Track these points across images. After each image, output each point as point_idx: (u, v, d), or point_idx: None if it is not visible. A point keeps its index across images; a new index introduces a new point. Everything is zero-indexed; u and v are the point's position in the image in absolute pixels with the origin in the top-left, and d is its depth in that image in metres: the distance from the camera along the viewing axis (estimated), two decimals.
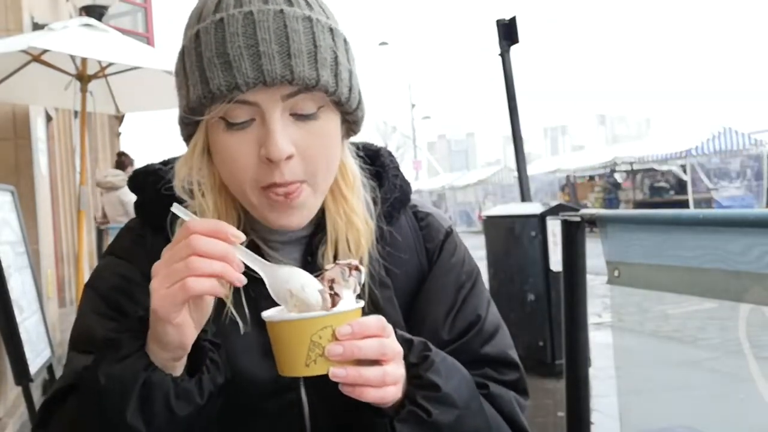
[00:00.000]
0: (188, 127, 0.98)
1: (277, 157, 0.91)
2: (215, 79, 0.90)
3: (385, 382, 0.87)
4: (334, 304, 0.87)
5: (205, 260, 0.81)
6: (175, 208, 0.90)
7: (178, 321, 0.83)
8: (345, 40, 0.98)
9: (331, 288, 0.88)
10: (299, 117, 0.94)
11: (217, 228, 0.83)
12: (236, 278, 0.83)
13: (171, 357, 0.86)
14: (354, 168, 1.06)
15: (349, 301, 0.88)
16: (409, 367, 0.94)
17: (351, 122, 1.02)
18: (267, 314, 0.89)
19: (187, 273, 0.80)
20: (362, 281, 0.90)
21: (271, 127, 0.91)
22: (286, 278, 0.89)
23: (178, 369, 0.88)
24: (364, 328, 0.86)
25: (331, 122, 0.97)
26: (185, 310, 0.83)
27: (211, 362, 0.90)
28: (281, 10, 0.91)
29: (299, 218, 0.98)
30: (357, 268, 0.90)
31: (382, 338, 0.88)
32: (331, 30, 0.95)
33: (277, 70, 0.89)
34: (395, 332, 0.96)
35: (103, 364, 0.86)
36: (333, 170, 1.00)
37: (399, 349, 0.90)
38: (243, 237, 0.85)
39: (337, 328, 0.85)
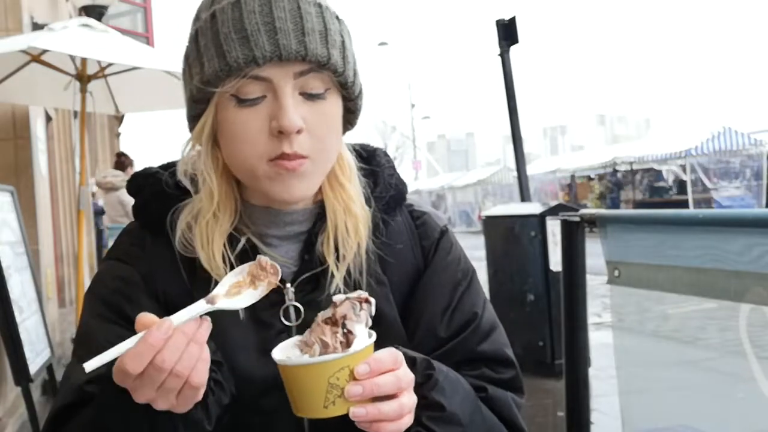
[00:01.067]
0: (198, 105, 1.00)
1: (289, 129, 0.94)
2: (232, 51, 0.93)
3: (402, 414, 0.88)
4: (349, 343, 0.86)
5: (185, 360, 0.81)
6: (90, 367, 0.84)
7: (200, 394, 0.85)
8: (349, 32, 1.03)
9: (344, 325, 0.87)
10: (308, 96, 0.97)
11: (167, 332, 0.81)
12: (207, 330, 0.84)
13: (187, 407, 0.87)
14: (350, 158, 1.08)
15: (363, 337, 0.87)
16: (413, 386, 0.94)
17: (350, 112, 1.05)
18: (279, 357, 0.88)
19: (184, 379, 0.81)
20: (373, 313, 0.90)
21: (284, 102, 0.94)
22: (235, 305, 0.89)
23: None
24: (380, 365, 0.87)
25: (335, 105, 1.00)
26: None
27: (214, 383, 0.91)
28: None
29: (300, 190, 1.00)
30: (367, 300, 0.90)
31: (397, 371, 0.89)
32: (338, 19, 1.00)
33: (292, 45, 0.93)
34: (398, 349, 0.96)
35: (103, 409, 0.89)
36: (335, 150, 1.03)
37: (411, 377, 0.91)
38: (174, 322, 0.83)
39: (356, 368, 0.85)
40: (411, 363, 0.95)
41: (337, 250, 1.04)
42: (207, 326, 0.84)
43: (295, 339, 0.92)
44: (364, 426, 0.87)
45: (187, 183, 1.04)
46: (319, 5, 0.98)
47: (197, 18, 1.01)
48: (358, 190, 1.07)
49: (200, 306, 0.84)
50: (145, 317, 0.82)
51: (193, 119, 1.02)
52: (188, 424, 0.87)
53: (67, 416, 0.95)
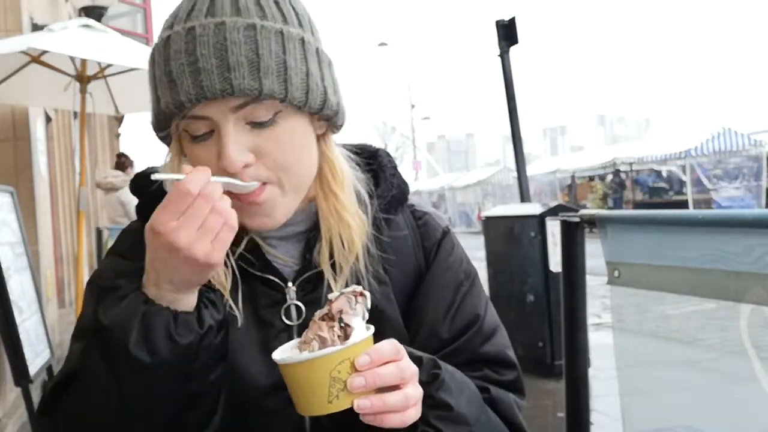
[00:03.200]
0: (163, 139, 1.02)
1: (231, 169, 0.93)
2: (164, 97, 0.94)
3: (407, 406, 0.88)
4: (347, 336, 0.86)
5: (230, 211, 0.87)
6: (159, 177, 0.91)
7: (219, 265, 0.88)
8: (302, 40, 0.97)
9: (340, 320, 0.87)
10: (255, 125, 0.94)
11: (208, 175, 0.87)
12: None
13: (184, 296, 0.89)
14: (342, 164, 1.06)
15: (361, 330, 0.87)
16: (420, 385, 0.94)
17: (325, 119, 1.02)
18: (279, 357, 0.88)
19: (223, 223, 0.86)
20: (369, 306, 0.90)
21: (224, 140, 0.93)
22: None
23: (188, 306, 0.91)
24: (381, 354, 0.87)
25: (293, 125, 0.97)
26: None
27: (208, 300, 0.93)
28: (222, 22, 0.92)
29: (272, 219, 0.99)
30: (362, 294, 0.90)
31: (399, 362, 0.88)
32: (280, 34, 0.95)
33: (216, 84, 0.90)
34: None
35: (103, 305, 0.90)
36: (303, 170, 1.00)
37: (415, 368, 0.91)
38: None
39: (356, 359, 0.85)
40: (417, 362, 0.95)
41: (332, 257, 1.04)
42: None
43: (294, 342, 0.92)
44: (369, 419, 0.87)
45: (164, 177, 1.04)
46: (252, 27, 0.93)
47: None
48: (352, 197, 1.06)
49: None
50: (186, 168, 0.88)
51: (168, 144, 1.03)
52: (180, 322, 0.88)
53: (67, 385, 0.96)
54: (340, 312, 0.87)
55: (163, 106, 0.93)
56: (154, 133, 1.02)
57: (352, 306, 0.88)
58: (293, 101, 0.95)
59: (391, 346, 0.89)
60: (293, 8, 0.99)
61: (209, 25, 0.92)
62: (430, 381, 0.95)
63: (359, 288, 0.90)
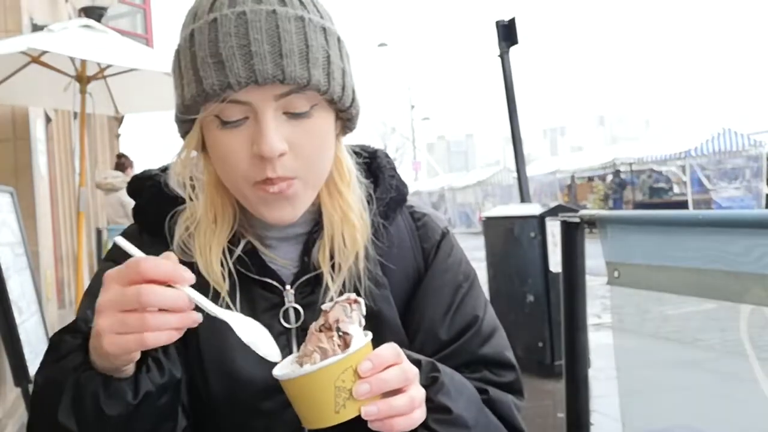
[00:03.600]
0: (184, 124, 0.99)
1: (269, 155, 0.92)
2: (208, 78, 0.91)
3: (413, 408, 0.88)
4: (347, 344, 0.86)
5: (159, 316, 0.80)
6: (121, 241, 0.90)
7: (129, 358, 0.84)
8: (339, 39, 0.99)
9: (338, 329, 0.86)
10: (292, 115, 0.94)
11: (172, 273, 0.82)
12: (192, 322, 0.83)
13: (115, 368, 0.86)
14: (350, 164, 1.06)
15: (359, 337, 0.87)
16: None
17: (345, 119, 1.03)
18: (280, 373, 0.87)
19: (142, 328, 0.80)
20: (364, 312, 0.90)
21: (264, 126, 0.92)
22: (241, 329, 0.89)
23: (124, 372, 0.87)
24: (382, 359, 0.87)
25: (324, 120, 0.98)
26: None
27: (152, 360, 0.89)
28: (274, 10, 0.92)
29: (291, 212, 0.98)
30: (356, 301, 0.89)
31: (401, 365, 0.88)
32: (323, 29, 0.96)
33: (268, 69, 0.90)
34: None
35: (42, 366, 0.89)
36: (326, 166, 1.01)
37: (416, 370, 0.91)
38: (193, 278, 0.84)
39: (359, 366, 0.84)
40: (416, 365, 0.95)
41: (332, 257, 1.03)
42: (197, 317, 0.83)
43: (292, 357, 0.91)
44: (377, 425, 0.86)
45: (180, 191, 1.04)
46: (302, 19, 0.93)
47: (180, 34, 0.99)
48: (357, 197, 1.06)
49: (218, 310, 0.87)
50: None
51: (183, 135, 1.01)
52: (111, 392, 0.85)
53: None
54: (337, 321, 0.87)
55: (206, 86, 0.91)
56: (178, 118, 0.99)
57: (348, 314, 0.88)
58: (333, 95, 0.95)
59: (391, 349, 0.89)
60: (320, 6, 1.00)
61: (261, 11, 0.92)
62: (429, 384, 0.95)
63: (353, 295, 0.90)
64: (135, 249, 0.88)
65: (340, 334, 0.86)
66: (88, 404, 0.84)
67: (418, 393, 0.90)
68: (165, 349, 0.91)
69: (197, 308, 0.84)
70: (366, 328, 0.91)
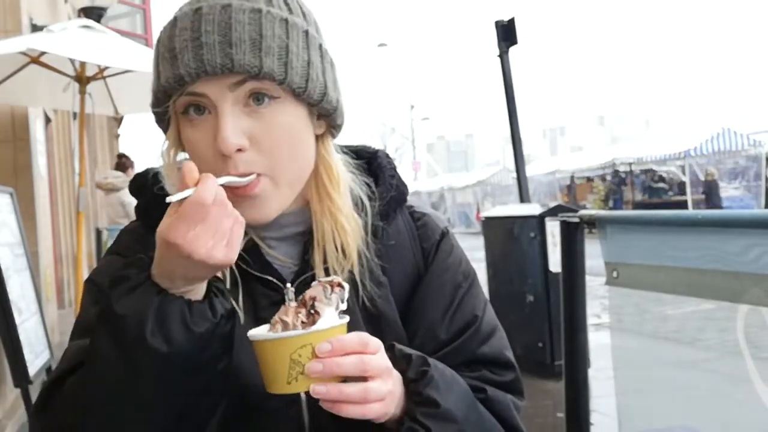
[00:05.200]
0: (160, 123, 1.02)
1: (225, 150, 0.92)
2: (165, 72, 0.94)
3: (366, 399, 0.88)
4: (313, 323, 0.87)
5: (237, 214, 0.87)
6: (171, 199, 0.90)
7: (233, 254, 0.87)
8: (306, 33, 0.98)
9: (312, 306, 0.88)
10: (252, 108, 0.95)
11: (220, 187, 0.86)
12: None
13: (192, 289, 0.89)
14: (338, 166, 1.06)
15: (331, 319, 0.88)
16: (408, 382, 0.95)
17: (325, 116, 1.02)
18: (252, 332, 0.90)
19: (233, 223, 0.86)
20: (345, 298, 0.91)
21: (220, 120, 0.93)
22: None
23: (198, 296, 0.90)
24: (343, 345, 0.87)
25: (288, 114, 0.97)
26: None
27: (217, 290, 0.92)
28: (229, 4, 0.94)
29: (264, 212, 0.98)
30: (340, 285, 0.90)
31: (364, 355, 0.88)
32: (284, 21, 0.96)
33: (217, 59, 0.91)
34: (394, 346, 0.97)
35: (114, 297, 0.88)
36: (298, 164, 1.00)
37: (385, 365, 0.91)
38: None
39: (317, 346, 0.86)
40: (407, 360, 0.96)
41: (325, 261, 1.03)
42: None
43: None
44: (327, 406, 0.87)
45: (176, 198, 1.04)
46: (258, 11, 0.94)
47: None
48: (347, 200, 1.06)
49: None
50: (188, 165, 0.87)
51: (165, 133, 1.03)
52: (194, 311, 0.87)
53: (64, 381, 0.95)
54: (313, 299, 0.88)
55: (162, 80, 0.94)
56: (153, 117, 1.02)
57: (327, 295, 0.89)
58: (292, 85, 0.95)
59: (356, 338, 0.89)
60: (300, 6, 1.01)
61: (216, 6, 0.94)
62: (418, 378, 0.95)
63: (338, 279, 0.91)
64: (182, 195, 0.89)
65: (312, 312, 0.88)
66: (176, 323, 0.86)
67: (379, 387, 0.89)
68: (221, 281, 0.95)
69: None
70: (366, 327, 0.91)
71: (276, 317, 0.89)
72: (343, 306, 0.90)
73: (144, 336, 0.85)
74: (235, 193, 0.94)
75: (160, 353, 0.85)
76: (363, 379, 0.88)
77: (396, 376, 0.94)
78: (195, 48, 0.92)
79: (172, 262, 0.86)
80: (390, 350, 0.97)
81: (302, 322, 0.87)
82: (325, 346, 0.86)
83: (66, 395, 0.94)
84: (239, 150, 0.93)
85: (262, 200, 0.97)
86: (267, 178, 0.96)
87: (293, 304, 0.90)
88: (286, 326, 0.87)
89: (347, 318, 0.91)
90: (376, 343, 0.91)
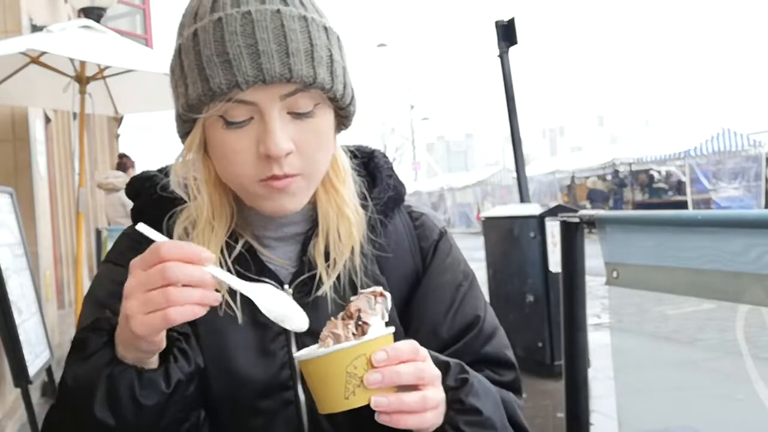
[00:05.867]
0: (186, 124, 0.99)
1: (277, 154, 0.93)
2: (215, 77, 0.91)
3: (425, 408, 0.87)
4: (363, 333, 0.86)
5: (183, 290, 0.81)
6: (141, 227, 0.91)
7: (158, 340, 0.85)
8: (338, 38, 1.00)
9: (359, 318, 0.87)
10: (297, 115, 0.95)
11: (192, 253, 0.83)
12: (214, 300, 0.84)
13: (144, 357, 0.88)
14: (345, 161, 1.08)
15: (379, 328, 0.87)
16: (447, 390, 0.94)
17: (343, 116, 1.04)
18: (301, 353, 0.89)
19: (166, 304, 0.81)
20: (389, 307, 0.90)
21: (270, 126, 0.93)
22: (267, 305, 0.89)
23: (153, 362, 0.89)
24: (398, 352, 0.86)
25: (326, 118, 0.99)
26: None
27: (178, 351, 0.91)
28: (278, 10, 0.93)
29: (291, 204, 0.99)
30: (382, 295, 0.90)
31: (418, 362, 0.88)
32: (325, 29, 0.97)
33: (276, 68, 0.90)
34: (428, 354, 0.95)
35: (70, 365, 0.89)
36: (326, 163, 1.02)
37: (437, 372, 0.90)
38: (213, 257, 0.85)
39: (373, 355, 0.84)
40: (444, 366, 0.95)
41: (327, 253, 1.04)
42: (218, 296, 0.84)
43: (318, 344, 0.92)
44: (385, 419, 0.85)
45: (181, 192, 1.04)
46: (305, 18, 0.94)
47: (179, 33, 0.99)
48: (352, 192, 1.07)
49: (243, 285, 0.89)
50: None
51: (183, 135, 1.01)
52: (145, 383, 0.86)
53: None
54: (359, 311, 0.88)
55: (213, 85, 0.91)
56: (180, 118, 0.98)
57: (372, 306, 0.88)
58: (336, 93, 0.97)
59: (409, 345, 0.88)
60: (321, 8, 1.01)
61: (266, 11, 0.92)
62: (459, 386, 0.94)
63: (379, 288, 0.90)
64: (156, 233, 0.90)
65: (360, 323, 0.87)
66: (124, 397, 0.85)
67: (435, 395, 0.89)
68: (187, 340, 0.93)
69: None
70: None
71: (325, 332, 0.87)
72: (386, 315, 0.90)
73: (92, 410, 0.85)
74: (271, 186, 0.95)
75: (108, 426, 0.85)
76: (415, 387, 0.87)
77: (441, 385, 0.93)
78: (251, 55, 0.90)
79: (122, 322, 0.85)
80: None
81: (353, 334, 0.86)
82: (382, 355, 0.85)
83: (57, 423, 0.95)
84: (287, 154, 0.94)
85: (294, 195, 0.98)
86: (302, 177, 0.97)
87: (339, 317, 0.89)
88: (338, 339, 0.86)
89: (393, 327, 0.90)
90: (424, 350, 0.90)
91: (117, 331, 0.88)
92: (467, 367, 0.98)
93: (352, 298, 0.90)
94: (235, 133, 0.94)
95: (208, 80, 0.91)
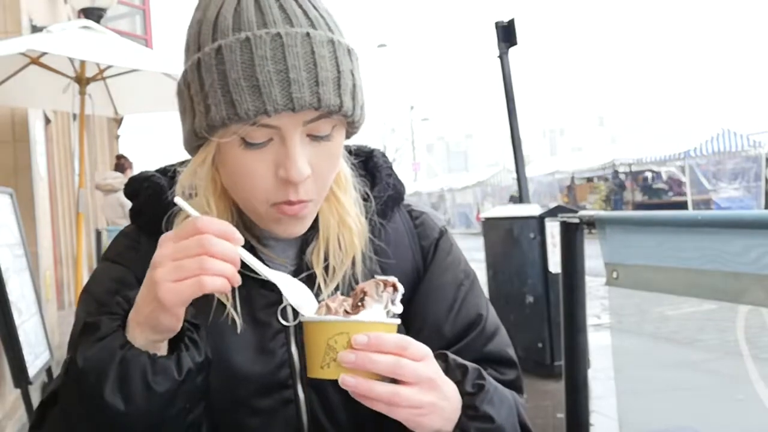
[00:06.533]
0: (199, 139, 0.98)
1: (297, 179, 0.92)
2: (243, 103, 0.89)
3: (394, 403, 0.86)
4: (355, 314, 0.87)
5: (217, 261, 0.82)
6: (179, 202, 0.91)
7: (179, 312, 0.84)
8: (357, 58, 0.99)
9: (362, 299, 0.88)
10: (315, 138, 0.95)
11: (227, 230, 0.84)
12: (238, 281, 0.84)
13: (159, 339, 0.87)
14: (346, 169, 1.07)
15: (376, 315, 0.88)
16: (463, 395, 0.94)
17: (351, 130, 1.03)
18: (303, 313, 0.92)
19: (200, 271, 0.81)
20: (397, 300, 0.90)
21: (292, 151, 0.92)
22: (288, 291, 0.92)
23: (162, 349, 0.89)
24: (381, 341, 0.86)
25: (339, 139, 0.99)
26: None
27: (189, 341, 0.90)
28: (307, 33, 0.91)
29: (299, 228, 1.00)
30: (394, 286, 0.90)
31: (401, 358, 0.87)
32: (348, 51, 0.96)
33: (306, 98, 0.89)
34: (447, 356, 0.96)
35: (81, 347, 0.87)
36: (332, 180, 1.02)
37: (426, 375, 0.89)
38: (242, 240, 0.86)
39: (353, 336, 0.85)
40: (462, 371, 0.96)
41: (327, 260, 1.04)
42: (239, 279, 0.84)
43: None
44: (359, 397, 0.86)
45: (184, 205, 1.01)
46: (332, 43, 0.93)
47: (197, 43, 0.95)
48: (353, 200, 1.07)
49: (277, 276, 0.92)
50: None
51: (192, 150, 1.00)
52: (157, 369, 0.85)
53: (55, 401, 0.95)
54: (364, 293, 0.89)
55: (240, 111, 0.89)
56: (196, 135, 0.96)
57: (378, 292, 0.89)
58: (355, 117, 0.96)
59: (396, 338, 0.88)
60: (336, 22, 0.99)
61: (296, 35, 0.91)
62: (475, 392, 0.95)
63: (393, 279, 0.91)
64: (192, 209, 0.90)
65: (359, 304, 0.88)
66: (136, 381, 0.84)
67: (412, 395, 0.87)
68: (198, 330, 0.92)
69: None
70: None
71: (324, 301, 0.90)
72: (395, 308, 0.90)
73: (102, 393, 0.84)
74: (283, 211, 0.95)
75: (118, 411, 0.84)
76: (397, 381, 0.87)
77: (449, 390, 0.92)
78: (281, 82, 0.89)
79: (143, 289, 0.85)
80: (443, 359, 0.96)
81: (345, 311, 0.87)
82: (362, 338, 0.85)
83: (54, 419, 0.94)
84: (306, 178, 0.94)
85: (303, 219, 0.99)
86: (313, 203, 0.97)
87: (328, 294, 0.93)
88: (329, 311, 0.88)
89: (398, 321, 0.90)
90: (421, 349, 0.89)
91: (132, 311, 0.87)
92: (485, 373, 0.98)
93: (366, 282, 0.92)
94: (254, 155, 0.93)
95: (234, 105, 0.89)
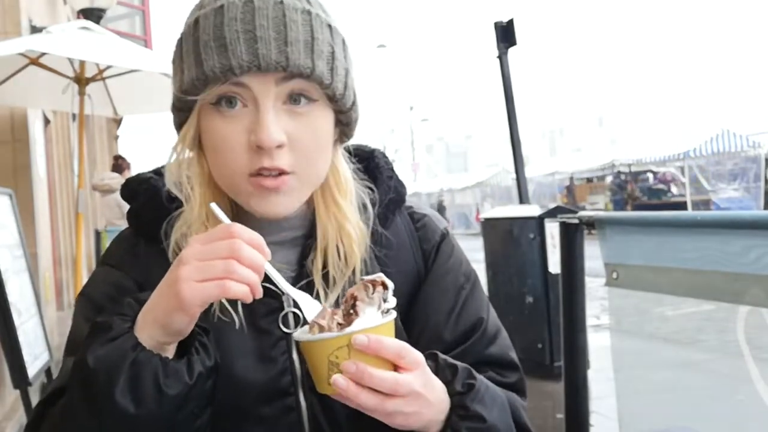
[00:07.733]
0: (181, 113, 0.98)
1: (267, 144, 0.91)
2: (209, 60, 0.91)
3: (378, 411, 0.86)
4: (348, 324, 0.86)
5: (245, 268, 0.82)
6: (213, 207, 0.91)
7: (196, 312, 0.83)
8: (344, 41, 0.99)
9: (353, 306, 0.87)
10: (293, 107, 0.94)
11: (259, 242, 0.84)
12: (259, 292, 0.84)
13: (167, 341, 0.86)
14: (347, 173, 1.05)
15: (371, 318, 0.87)
16: (453, 394, 0.94)
17: (344, 124, 1.02)
18: (295, 334, 0.91)
19: (226, 275, 0.81)
20: (389, 297, 0.89)
21: (263, 115, 0.92)
22: (307, 309, 0.91)
23: (170, 352, 0.88)
24: (381, 345, 0.85)
25: (323, 118, 0.97)
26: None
27: (200, 345, 0.90)
28: (281, 1, 0.92)
29: (284, 206, 0.98)
30: (383, 284, 0.89)
31: (400, 377, 0.86)
32: (329, 26, 0.96)
33: (272, 55, 0.90)
34: (437, 356, 0.96)
35: (92, 346, 0.86)
36: (323, 167, 1.00)
37: (414, 389, 0.88)
38: (270, 255, 0.86)
39: (354, 337, 0.84)
40: (452, 371, 0.95)
41: (326, 268, 1.02)
42: (261, 291, 0.84)
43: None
44: (345, 400, 0.86)
45: (177, 192, 1.02)
46: (308, 12, 0.93)
47: (185, 23, 0.98)
48: (354, 207, 1.05)
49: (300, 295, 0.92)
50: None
51: (178, 127, 1.00)
52: (169, 372, 0.84)
53: (55, 400, 0.94)
54: (354, 299, 0.87)
55: (206, 68, 0.90)
56: (175, 105, 0.98)
57: (369, 294, 0.87)
58: (335, 90, 0.95)
59: (396, 345, 0.87)
60: (330, 12, 1.00)
61: (269, 1, 0.92)
62: (465, 391, 0.94)
63: (381, 277, 0.89)
64: (224, 215, 0.90)
65: (351, 312, 0.86)
66: (147, 384, 0.83)
67: (400, 406, 0.86)
68: (207, 335, 0.92)
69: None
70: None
71: (312, 320, 0.88)
72: (388, 304, 0.89)
73: (113, 394, 0.82)
74: (261, 185, 0.94)
75: (128, 413, 0.82)
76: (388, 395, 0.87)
77: (435, 398, 0.91)
78: (248, 41, 0.90)
79: (162, 286, 0.85)
80: (432, 359, 0.96)
81: (338, 324, 0.86)
82: (362, 339, 0.84)
83: (51, 421, 0.93)
84: (279, 146, 0.92)
85: (284, 196, 0.96)
86: (294, 176, 0.95)
87: (329, 307, 0.90)
88: (321, 329, 0.86)
89: (393, 314, 0.89)
90: (416, 359, 0.89)
91: (144, 310, 0.86)
92: (475, 373, 0.97)
93: (357, 283, 0.90)
94: (228, 121, 0.93)
95: (202, 64, 0.91)
